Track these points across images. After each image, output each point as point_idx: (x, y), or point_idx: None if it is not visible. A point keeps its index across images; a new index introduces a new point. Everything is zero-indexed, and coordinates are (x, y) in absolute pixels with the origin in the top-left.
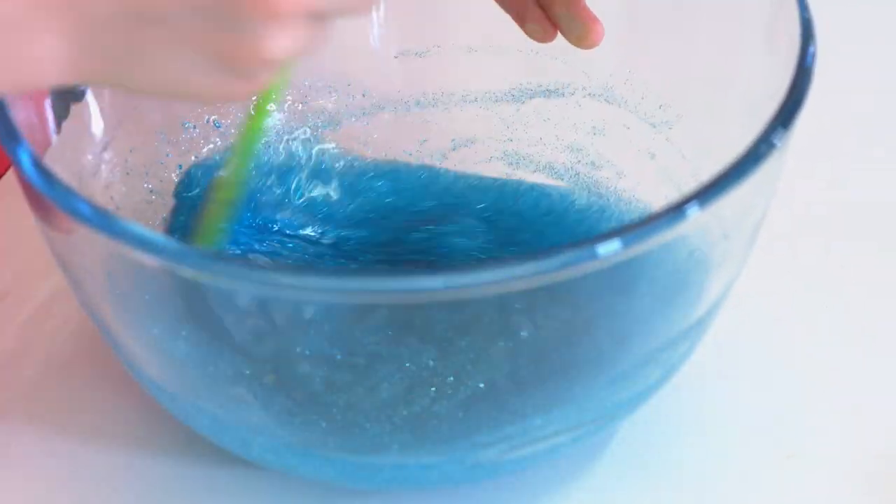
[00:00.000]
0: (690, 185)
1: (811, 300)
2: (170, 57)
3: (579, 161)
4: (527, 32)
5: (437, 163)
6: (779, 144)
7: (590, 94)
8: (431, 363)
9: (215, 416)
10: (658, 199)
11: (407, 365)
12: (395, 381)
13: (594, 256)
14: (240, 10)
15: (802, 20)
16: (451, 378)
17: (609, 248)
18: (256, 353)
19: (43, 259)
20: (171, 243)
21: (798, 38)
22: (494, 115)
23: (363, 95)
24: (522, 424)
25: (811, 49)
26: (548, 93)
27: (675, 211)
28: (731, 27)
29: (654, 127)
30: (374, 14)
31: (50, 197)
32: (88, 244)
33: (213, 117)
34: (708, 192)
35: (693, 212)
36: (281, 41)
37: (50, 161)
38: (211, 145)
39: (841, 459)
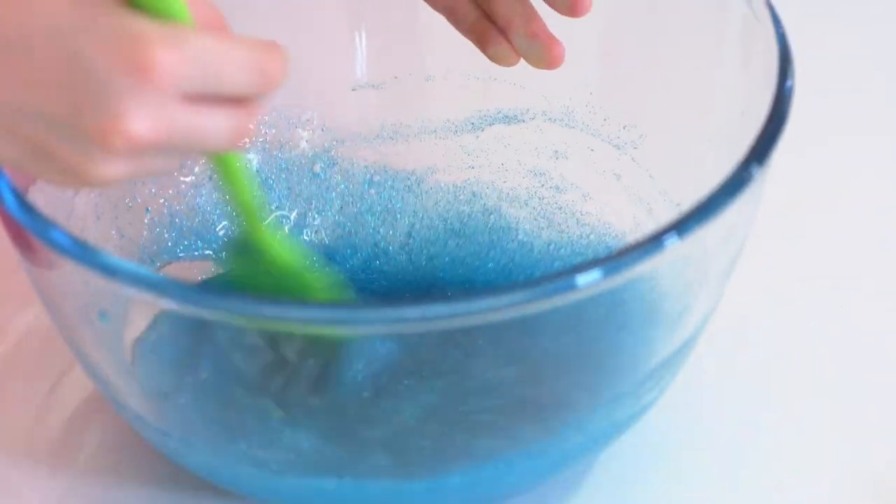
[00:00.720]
0: (660, 203)
1: (795, 325)
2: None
3: (543, 185)
4: (490, 57)
5: (400, 195)
6: (757, 175)
7: (550, 119)
8: (432, 392)
9: (209, 451)
10: (626, 219)
11: (409, 395)
12: (399, 413)
13: (573, 287)
14: (79, 131)
15: (777, 36)
16: (456, 406)
17: (588, 279)
18: (261, 385)
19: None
20: (154, 277)
21: (775, 56)
22: (454, 144)
23: (322, 130)
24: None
25: (789, 80)
26: (507, 119)
27: (654, 242)
28: (698, 44)
29: (619, 148)
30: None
31: (31, 229)
32: (71, 279)
33: None
34: (687, 223)
35: (672, 242)
36: (113, 168)
37: None
38: (177, 186)
39: (830, 485)
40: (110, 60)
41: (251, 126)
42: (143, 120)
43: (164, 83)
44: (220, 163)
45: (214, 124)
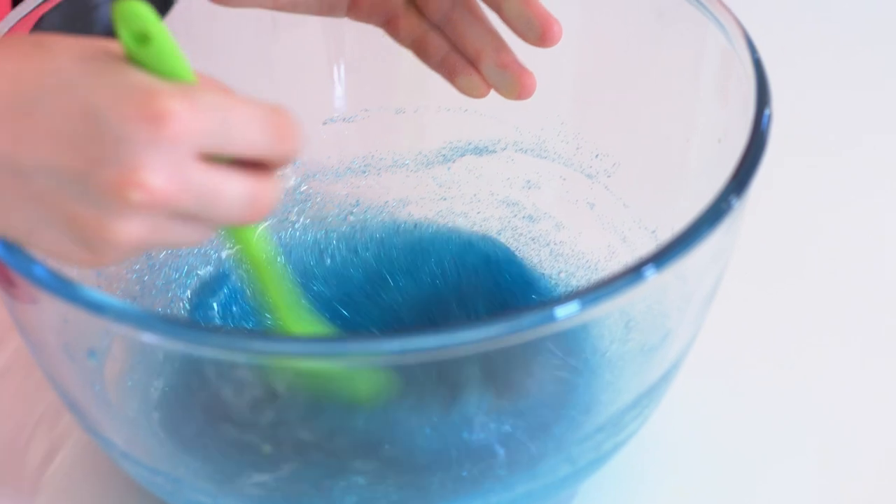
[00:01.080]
0: (635, 231)
1: (775, 356)
2: (17, 207)
3: (515, 215)
4: (460, 89)
5: (374, 228)
6: (735, 205)
7: (521, 149)
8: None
9: (197, 487)
10: (601, 248)
11: (396, 427)
12: (386, 445)
13: (552, 319)
14: (95, 185)
15: (754, 62)
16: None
17: (567, 311)
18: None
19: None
20: (136, 310)
21: (752, 83)
22: (426, 175)
23: (294, 164)
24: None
25: (767, 108)
26: (478, 150)
27: (632, 274)
28: (672, 71)
29: (591, 177)
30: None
31: (10, 264)
32: (52, 314)
33: None
34: (665, 255)
35: (650, 274)
36: (129, 228)
37: None
38: None
39: None
40: (124, 112)
41: (270, 197)
42: (159, 171)
43: (180, 134)
44: (239, 239)
45: (230, 188)
